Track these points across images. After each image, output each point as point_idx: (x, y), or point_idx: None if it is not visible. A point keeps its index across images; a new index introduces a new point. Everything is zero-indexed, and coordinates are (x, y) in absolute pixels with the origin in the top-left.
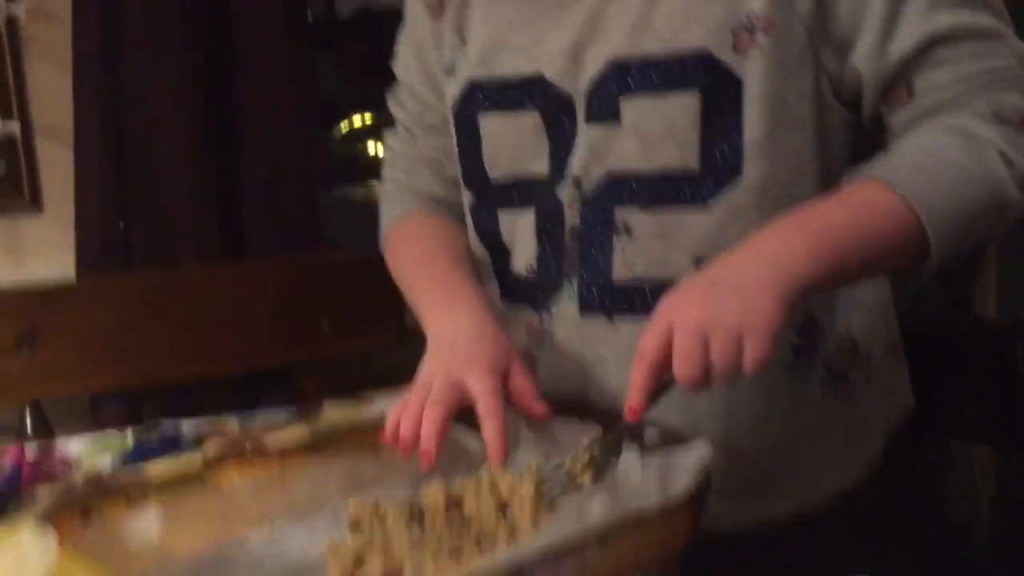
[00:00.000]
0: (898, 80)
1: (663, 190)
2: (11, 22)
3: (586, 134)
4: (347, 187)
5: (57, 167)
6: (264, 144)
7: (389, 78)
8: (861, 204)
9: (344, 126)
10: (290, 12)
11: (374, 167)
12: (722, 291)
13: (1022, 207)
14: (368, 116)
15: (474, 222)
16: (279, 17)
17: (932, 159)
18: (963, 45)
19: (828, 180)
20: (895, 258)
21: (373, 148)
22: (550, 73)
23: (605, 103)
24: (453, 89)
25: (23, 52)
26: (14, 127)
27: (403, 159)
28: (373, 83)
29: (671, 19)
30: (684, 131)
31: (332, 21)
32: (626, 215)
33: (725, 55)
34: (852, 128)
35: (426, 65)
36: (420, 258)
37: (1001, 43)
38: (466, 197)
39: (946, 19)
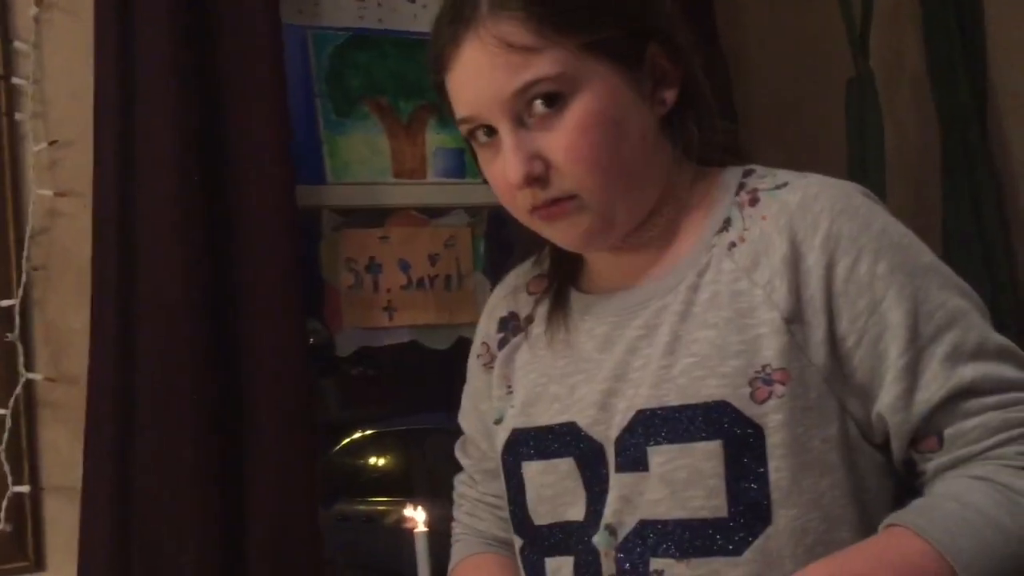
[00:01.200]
0: (926, 429)
1: (695, 539)
2: (28, 386)
3: (618, 482)
4: (347, 504)
5: (62, 525)
6: (270, 475)
7: (386, 401)
8: (897, 556)
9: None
10: (296, 339)
11: (372, 484)
12: None
13: None
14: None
15: (524, 566)
16: (285, 345)
17: (966, 511)
18: (988, 397)
19: (867, 525)
20: None
21: (373, 462)
22: (582, 421)
23: (634, 452)
24: (501, 437)
25: (38, 416)
26: (24, 489)
27: (467, 502)
28: (372, 405)
29: (690, 372)
30: (710, 479)
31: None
32: (661, 565)
33: (744, 405)
34: (889, 471)
35: (482, 415)
36: None
37: (1017, 395)
38: (516, 542)
39: (968, 371)
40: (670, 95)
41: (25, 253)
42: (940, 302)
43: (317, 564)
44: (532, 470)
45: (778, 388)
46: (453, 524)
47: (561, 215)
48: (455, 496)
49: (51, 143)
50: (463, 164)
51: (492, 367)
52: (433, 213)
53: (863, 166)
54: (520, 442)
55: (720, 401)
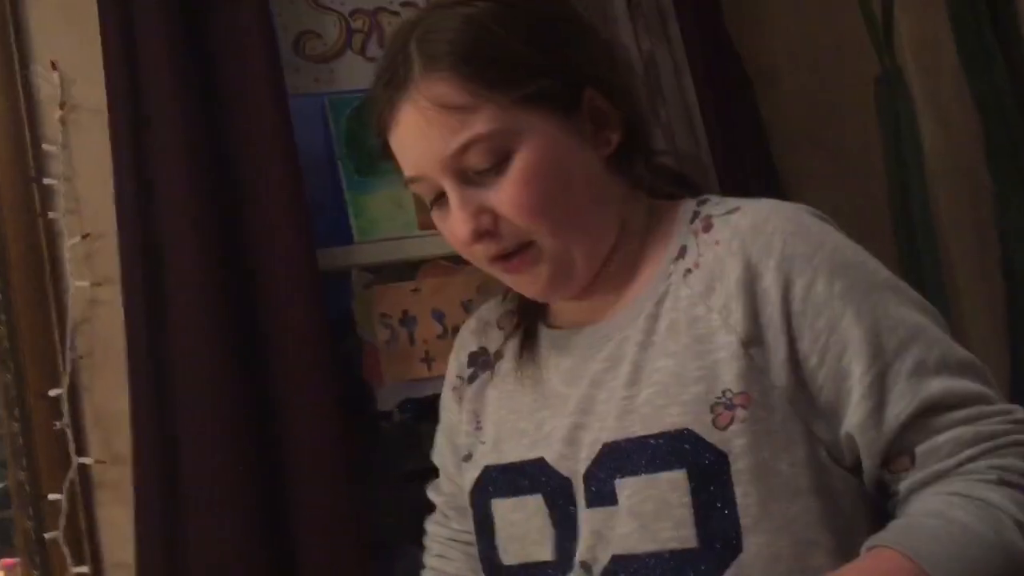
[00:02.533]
0: (898, 447)
1: (667, 572)
2: (82, 469)
3: (589, 517)
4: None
5: None
6: (317, 540)
7: None
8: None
9: None
10: (330, 401)
11: None
12: None
13: None
14: None
15: None
16: (322, 409)
17: (950, 527)
18: (956, 411)
19: (842, 550)
20: None
21: None
22: (550, 457)
23: (602, 486)
24: (472, 474)
25: (94, 497)
26: (85, 569)
27: (437, 543)
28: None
29: (652, 401)
30: (677, 509)
31: None
32: None
33: (706, 432)
34: (862, 493)
35: (456, 449)
36: None
37: (990, 407)
38: None
39: (935, 386)
40: (614, 136)
41: (68, 343)
42: (900, 318)
43: None
44: (502, 508)
45: (740, 412)
46: (423, 572)
47: (521, 268)
48: (425, 541)
49: (84, 236)
50: None
51: (462, 402)
52: (463, 260)
53: (901, 162)
54: (490, 479)
55: (683, 429)
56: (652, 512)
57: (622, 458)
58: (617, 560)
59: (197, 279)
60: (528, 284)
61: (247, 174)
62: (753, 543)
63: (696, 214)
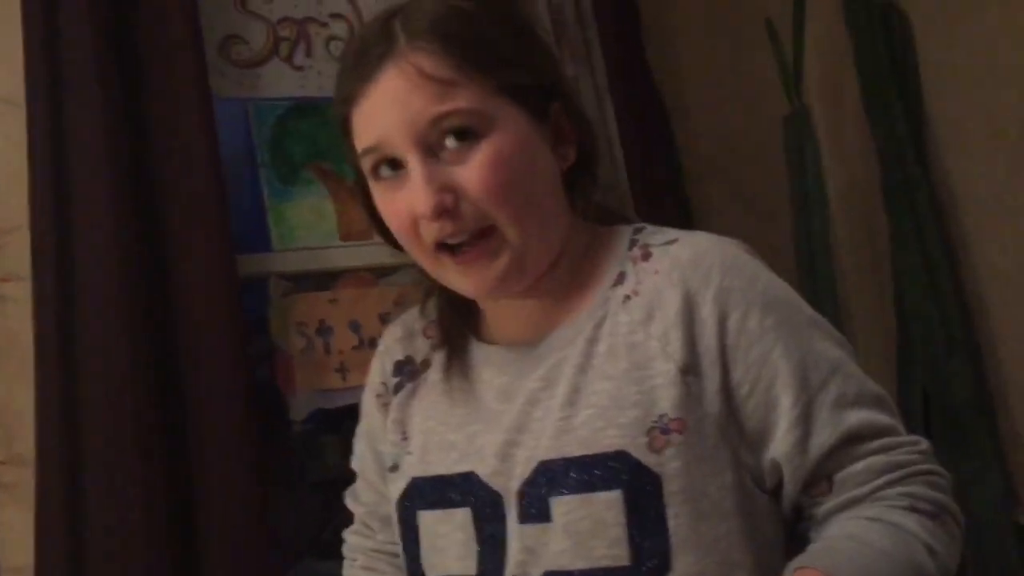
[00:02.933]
0: (817, 474)
1: None
2: None
3: (521, 533)
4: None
5: None
6: (223, 545)
7: None
8: None
9: None
10: (243, 405)
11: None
12: None
13: None
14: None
15: None
16: (232, 412)
17: (867, 549)
18: (871, 442)
19: (761, 570)
20: None
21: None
22: (481, 471)
23: (536, 503)
24: (399, 485)
25: None
26: None
27: (361, 554)
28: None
29: (590, 423)
30: (612, 528)
31: None
32: None
33: (642, 454)
34: (779, 517)
35: (379, 456)
36: None
37: (900, 438)
38: None
39: (854, 417)
40: (571, 152)
41: None
42: (823, 353)
43: None
44: (428, 519)
45: (675, 437)
46: None
47: (479, 258)
48: (345, 551)
49: None
50: None
51: (387, 411)
52: (381, 273)
53: (805, 200)
54: (417, 491)
55: (619, 451)
56: (587, 530)
57: (558, 477)
58: (549, 575)
59: (111, 278)
60: (479, 274)
61: (168, 174)
62: (682, 562)
63: (634, 242)
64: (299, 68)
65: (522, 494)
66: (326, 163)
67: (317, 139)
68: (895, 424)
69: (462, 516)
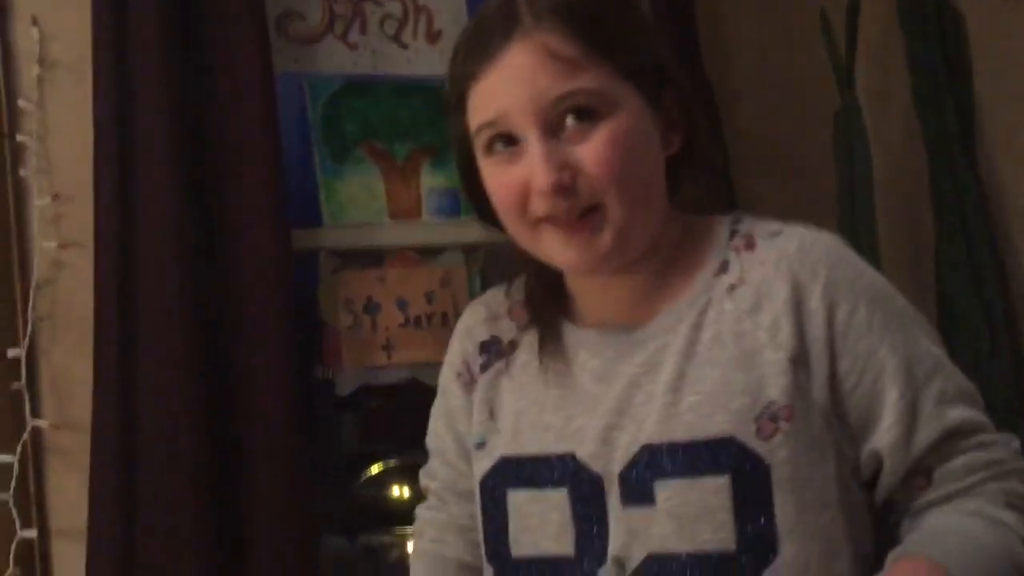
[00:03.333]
0: (917, 468)
1: (704, 571)
2: (35, 433)
3: (623, 516)
4: (373, 535)
5: (69, 568)
6: (268, 512)
7: (404, 433)
8: None
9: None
10: (292, 379)
11: (398, 515)
12: None
13: None
14: (391, 463)
15: None
16: (282, 386)
17: (970, 543)
18: (970, 439)
19: (858, 559)
20: None
21: (398, 492)
22: (581, 453)
23: (639, 486)
24: (484, 463)
25: (45, 461)
26: (32, 533)
27: (431, 527)
28: (392, 437)
29: (697, 408)
30: (718, 513)
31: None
32: None
33: (750, 441)
34: (870, 507)
35: (459, 435)
36: None
37: (995, 435)
38: (486, 573)
39: (956, 414)
40: (676, 140)
41: (31, 304)
42: (926, 349)
43: None
44: (519, 499)
45: (783, 425)
46: (412, 558)
47: (583, 229)
48: (416, 527)
49: (54, 197)
50: (458, 204)
51: (472, 389)
52: (429, 252)
53: (852, 196)
54: (508, 470)
55: (727, 437)
56: (692, 515)
57: (662, 461)
58: (652, 558)
59: (170, 248)
60: (581, 248)
61: (228, 147)
62: (788, 549)
63: (734, 232)
64: (353, 46)
65: (624, 477)
66: (378, 142)
67: (369, 118)
68: (988, 421)
69: (557, 497)
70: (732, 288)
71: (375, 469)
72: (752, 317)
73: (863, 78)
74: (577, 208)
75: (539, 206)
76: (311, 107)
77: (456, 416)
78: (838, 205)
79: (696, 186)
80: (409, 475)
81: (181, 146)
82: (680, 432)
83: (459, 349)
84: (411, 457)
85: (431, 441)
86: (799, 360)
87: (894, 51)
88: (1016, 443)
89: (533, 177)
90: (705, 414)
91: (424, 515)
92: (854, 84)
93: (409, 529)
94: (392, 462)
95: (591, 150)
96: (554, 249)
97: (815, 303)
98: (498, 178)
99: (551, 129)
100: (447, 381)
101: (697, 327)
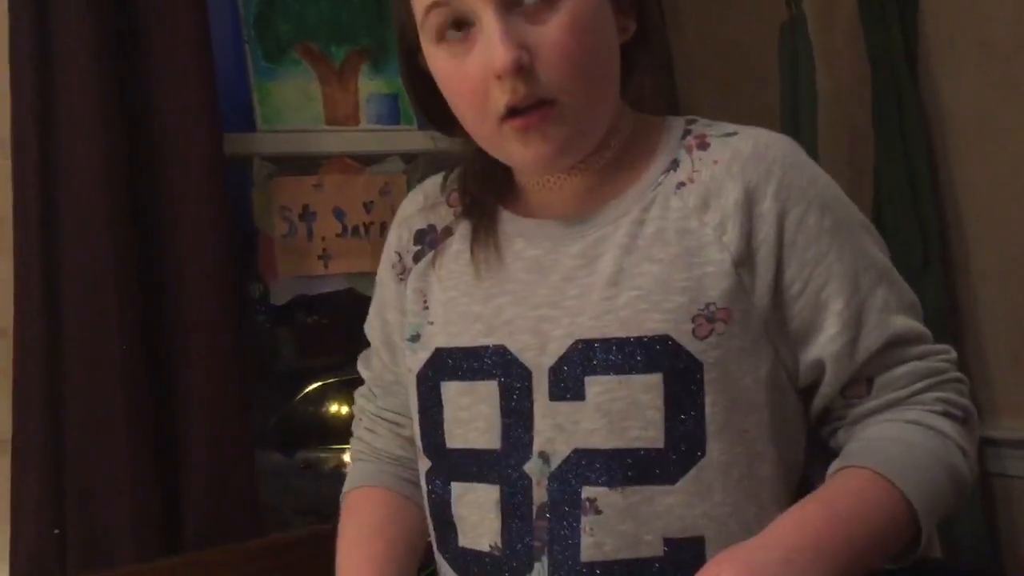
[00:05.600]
0: (858, 376)
1: (630, 469)
2: None
3: (551, 410)
4: (310, 452)
5: None
6: (203, 422)
7: (343, 348)
8: (872, 500)
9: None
10: (225, 287)
11: (336, 431)
12: (769, 562)
13: (970, 490)
14: (329, 382)
15: (428, 489)
16: (215, 293)
17: (912, 451)
18: (911, 348)
19: (783, 464)
20: (891, 545)
21: (335, 408)
22: (513, 346)
23: (570, 381)
24: (420, 356)
25: None
26: None
27: (366, 417)
28: (328, 354)
29: (634, 305)
30: (648, 410)
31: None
32: (594, 493)
33: (685, 340)
34: (803, 415)
35: (386, 325)
36: (356, 537)
37: (935, 346)
38: (422, 464)
39: (899, 323)
40: (631, 26)
41: None
42: (873, 257)
43: (253, 510)
44: (452, 391)
45: (719, 326)
46: (352, 440)
47: (537, 124)
48: (355, 411)
49: None
50: (397, 111)
51: (405, 279)
52: (367, 160)
53: (795, 109)
54: (442, 361)
55: (662, 335)
56: (621, 411)
57: (595, 356)
58: (579, 453)
59: (95, 150)
60: (537, 145)
61: (156, 44)
62: (715, 449)
63: (688, 131)
64: None
65: (555, 371)
66: (314, 44)
67: (305, 18)
68: (928, 332)
69: (487, 389)
70: (681, 185)
71: (313, 386)
72: (699, 215)
73: None
74: (534, 97)
75: (498, 94)
76: (243, 4)
77: (386, 306)
78: (781, 117)
79: (644, 79)
80: (346, 392)
81: (105, 41)
82: (615, 328)
83: (394, 241)
84: (349, 373)
85: (367, 331)
86: (743, 262)
87: None
88: (953, 354)
89: (491, 58)
90: (641, 310)
91: (361, 403)
92: None
93: (347, 447)
94: (331, 379)
95: (551, 34)
96: (513, 147)
97: (766, 206)
98: (454, 68)
99: (508, 4)
100: (382, 272)
101: (640, 222)
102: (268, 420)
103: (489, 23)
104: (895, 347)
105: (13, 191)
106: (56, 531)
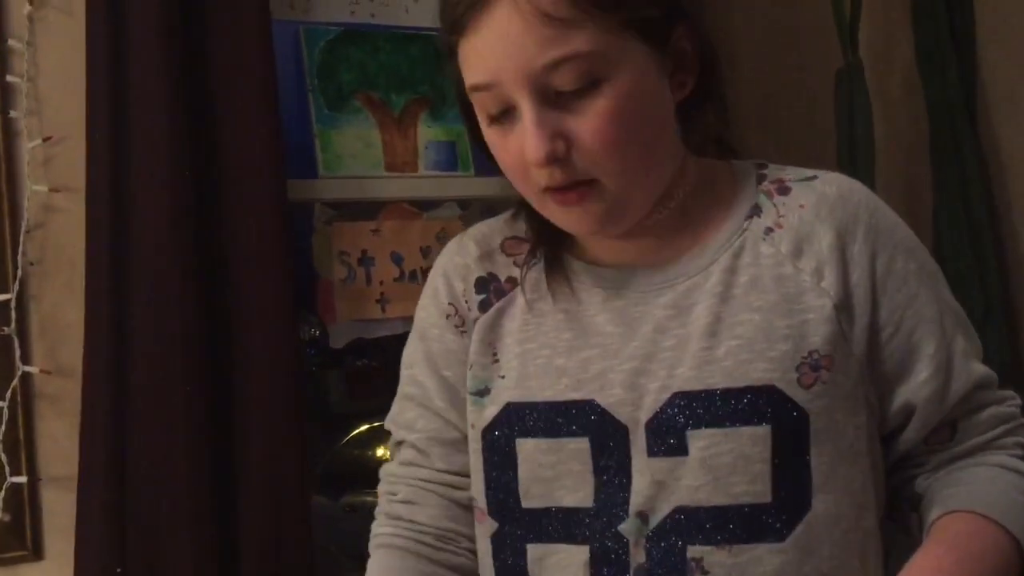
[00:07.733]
0: (944, 421)
1: (737, 526)
2: (25, 379)
3: (649, 467)
4: (356, 496)
5: (59, 514)
6: (262, 464)
7: (391, 391)
8: (989, 542)
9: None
10: (287, 331)
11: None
12: None
13: None
14: (375, 425)
15: (495, 551)
16: (277, 337)
17: (1010, 494)
18: (989, 394)
19: (879, 513)
20: None
21: (382, 452)
22: (604, 401)
23: (671, 436)
24: (488, 411)
25: (35, 407)
26: (21, 479)
27: (405, 485)
28: (377, 398)
29: (736, 354)
30: (756, 464)
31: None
32: (699, 552)
33: (792, 390)
34: (885, 460)
35: (446, 382)
36: None
37: (1005, 392)
38: (484, 528)
39: (979, 368)
40: (689, 81)
41: (20, 248)
42: (951, 304)
43: (307, 552)
44: (530, 447)
45: (824, 374)
46: (375, 524)
47: (577, 201)
48: (385, 486)
49: (45, 139)
50: (455, 157)
51: (464, 330)
52: (425, 206)
53: (852, 155)
54: (516, 417)
55: (768, 385)
56: (727, 465)
57: (696, 409)
58: (680, 511)
59: (164, 194)
60: (579, 218)
61: (224, 93)
62: (821, 502)
63: (762, 176)
64: None
65: (652, 426)
66: (374, 93)
67: (367, 68)
68: (996, 377)
69: (575, 446)
70: (769, 231)
71: (360, 428)
72: (793, 261)
73: (867, 36)
74: (573, 179)
75: (536, 176)
76: (307, 55)
77: (442, 361)
78: (837, 165)
79: (708, 130)
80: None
81: (176, 92)
82: (717, 379)
83: (446, 291)
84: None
85: (407, 390)
86: (843, 307)
87: (899, 10)
88: (1020, 399)
89: (526, 148)
90: (744, 360)
91: (396, 471)
92: (857, 42)
93: None
94: (377, 423)
95: (590, 123)
96: (556, 218)
97: (857, 248)
98: (497, 140)
99: (544, 95)
100: (428, 324)
101: (732, 270)
102: (316, 462)
103: (526, 112)
104: (978, 392)
105: (86, 236)
106: (119, 570)
